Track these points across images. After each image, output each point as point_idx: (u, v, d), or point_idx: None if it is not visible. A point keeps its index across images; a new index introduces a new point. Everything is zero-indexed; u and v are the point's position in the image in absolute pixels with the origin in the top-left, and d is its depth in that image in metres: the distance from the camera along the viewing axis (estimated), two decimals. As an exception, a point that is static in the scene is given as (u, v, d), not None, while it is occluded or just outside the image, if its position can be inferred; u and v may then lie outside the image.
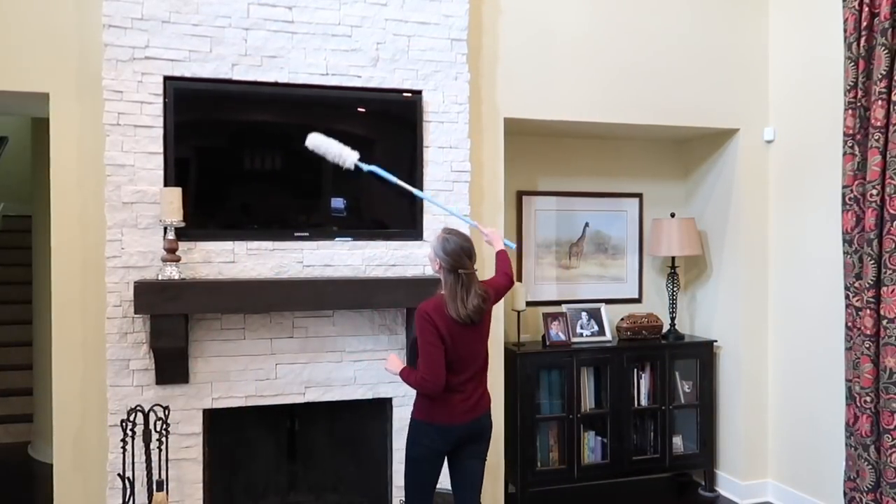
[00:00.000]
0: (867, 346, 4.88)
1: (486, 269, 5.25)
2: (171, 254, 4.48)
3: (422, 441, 4.09)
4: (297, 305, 4.69)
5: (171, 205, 4.44)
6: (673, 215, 6.52)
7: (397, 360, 4.19)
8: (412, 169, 5.08)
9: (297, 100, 4.88)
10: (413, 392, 4.21)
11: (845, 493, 5.14)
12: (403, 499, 4.73)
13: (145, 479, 4.50)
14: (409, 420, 4.20)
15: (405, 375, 4.05)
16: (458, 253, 3.98)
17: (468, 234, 4.19)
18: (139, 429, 4.48)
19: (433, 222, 5.10)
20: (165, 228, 4.49)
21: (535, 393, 5.94)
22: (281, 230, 4.86)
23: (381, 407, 5.17)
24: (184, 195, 4.52)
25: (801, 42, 5.91)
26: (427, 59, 5.12)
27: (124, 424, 4.39)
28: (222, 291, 4.50)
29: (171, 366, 4.61)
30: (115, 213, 4.53)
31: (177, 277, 4.45)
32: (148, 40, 4.58)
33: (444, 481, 5.10)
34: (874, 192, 4.84)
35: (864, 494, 4.94)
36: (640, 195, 6.88)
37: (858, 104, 5.00)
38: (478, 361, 4.15)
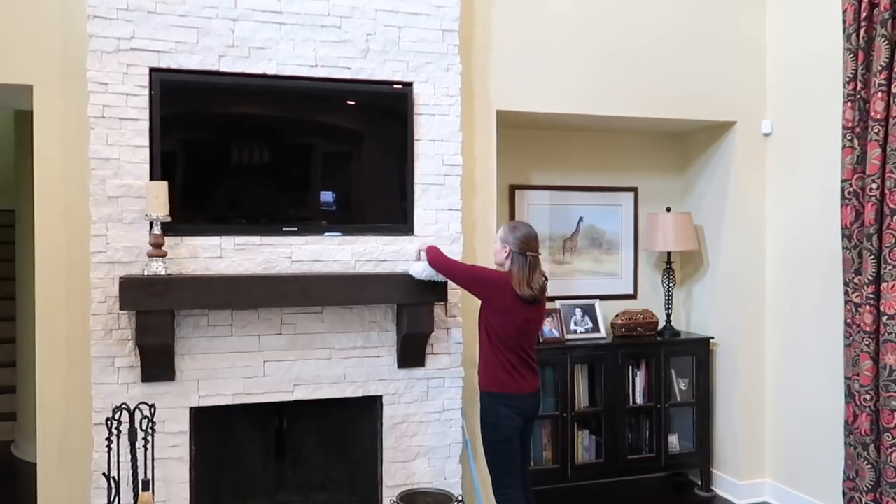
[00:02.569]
0: (867, 342, 4.89)
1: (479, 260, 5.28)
2: (157, 249, 4.50)
3: (500, 413, 4.52)
4: (286, 302, 4.70)
5: (156, 199, 4.46)
6: (669, 209, 6.56)
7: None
8: (403, 162, 5.11)
9: (286, 92, 4.89)
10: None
11: (844, 493, 5.15)
12: (394, 499, 4.79)
13: (131, 479, 4.48)
14: (478, 395, 4.69)
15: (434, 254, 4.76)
16: (528, 237, 4.51)
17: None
18: (125, 427, 4.47)
19: (424, 217, 5.14)
20: (151, 223, 4.51)
21: (528, 391, 5.96)
22: (269, 225, 4.87)
23: (371, 405, 5.18)
24: (170, 189, 4.54)
25: (799, 33, 5.93)
26: (418, 50, 5.14)
27: (109, 423, 4.37)
28: (209, 287, 4.51)
29: (157, 363, 4.61)
30: (100, 208, 4.54)
31: (163, 273, 4.48)
32: (133, 31, 4.59)
33: (439, 482, 5.17)
34: (874, 186, 4.85)
35: (864, 494, 4.95)
36: (635, 189, 6.92)
37: (858, 96, 5.01)
38: (534, 339, 4.64)
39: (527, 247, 4.47)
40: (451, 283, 4.96)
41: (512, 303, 4.43)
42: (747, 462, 6.30)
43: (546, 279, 4.59)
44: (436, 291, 4.89)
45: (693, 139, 6.84)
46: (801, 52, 5.91)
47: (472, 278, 4.57)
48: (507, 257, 4.51)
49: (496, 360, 4.50)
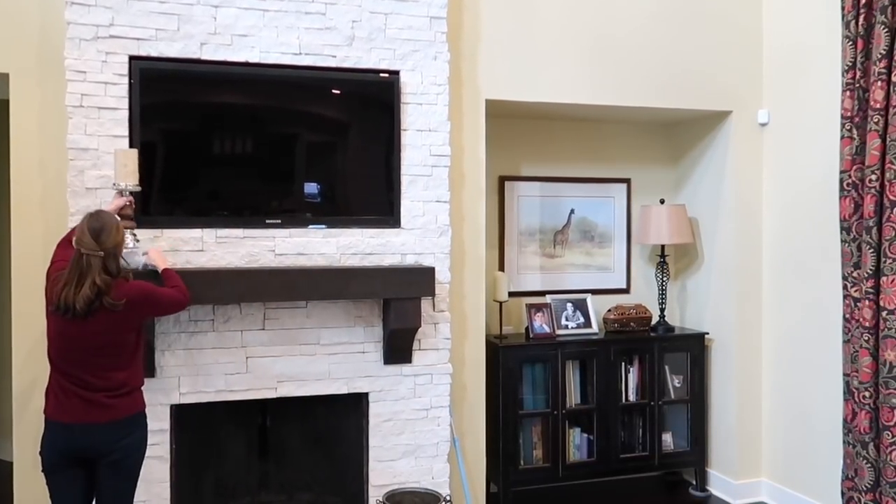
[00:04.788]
0: (866, 338, 4.94)
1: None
2: (128, 221, 4.41)
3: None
4: (269, 296, 4.75)
5: (125, 167, 4.44)
6: (662, 202, 6.61)
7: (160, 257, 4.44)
8: (389, 153, 5.17)
9: (269, 80, 4.96)
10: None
11: (843, 493, 5.21)
12: (380, 498, 4.85)
13: None
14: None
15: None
16: (82, 229, 3.78)
17: (113, 216, 4.00)
18: None
19: (411, 209, 5.20)
20: (120, 192, 4.46)
21: (517, 388, 6.04)
22: (252, 217, 4.93)
23: (357, 402, 5.24)
24: (150, 180, 4.61)
25: (797, 19, 5.97)
26: (405, 37, 5.20)
27: None
28: (190, 281, 4.48)
29: (136, 358, 4.65)
30: (78, 199, 4.58)
31: (131, 246, 4.41)
32: (112, 18, 4.64)
33: (427, 482, 5.23)
34: (873, 177, 4.90)
35: (863, 494, 5.00)
36: (628, 181, 6.99)
37: (857, 85, 5.06)
38: (93, 361, 3.88)
39: (79, 242, 3.77)
40: (441, 277, 5.06)
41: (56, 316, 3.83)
42: (743, 461, 6.34)
43: (102, 291, 3.74)
44: (424, 286, 4.95)
45: (687, 129, 6.90)
46: (798, 39, 5.95)
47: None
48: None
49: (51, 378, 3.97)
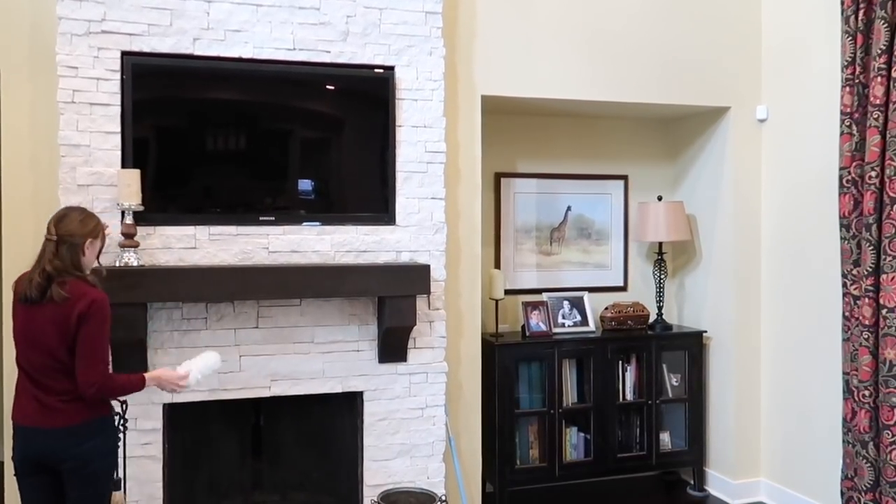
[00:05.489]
0: (865, 336, 4.97)
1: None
2: (129, 239, 4.58)
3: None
4: (263, 294, 4.76)
5: (128, 187, 4.54)
6: (660, 198, 6.65)
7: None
8: (384, 150, 5.20)
9: (263, 76, 4.98)
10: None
11: (842, 493, 5.24)
12: (375, 499, 4.86)
13: None
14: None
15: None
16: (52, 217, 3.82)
17: (86, 212, 3.92)
18: None
19: (406, 206, 5.23)
20: (123, 212, 4.60)
21: (513, 387, 6.05)
22: (245, 214, 4.95)
23: (352, 401, 5.26)
24: (143, 177, 4.62)
25: (795, 14, 5.99)
26: (400, 33, 5.22)
27: None
28: (183, 279, 4.57)
29: (129, 358, 4.66)
30: (69, 196, 4.59)
31: (135, 264, 4.56)
32: (104, 13, 4.66)
33: (422, 481, 5.25)
34: (873, 173, 4.92)
35: (863, 494, 5.02)
36: (625, 177, 7.02)
37: (856, 81, 5.08)
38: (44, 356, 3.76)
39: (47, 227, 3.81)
40: (436, 275, 5.08)
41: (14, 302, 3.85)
42: (742, 460, 6.36)
43: (51, 277, 3.70)
44: (419, 283, 4.97)
45: (685, 125, 6.92)
46: (797, 34, 5.97)
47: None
48: None
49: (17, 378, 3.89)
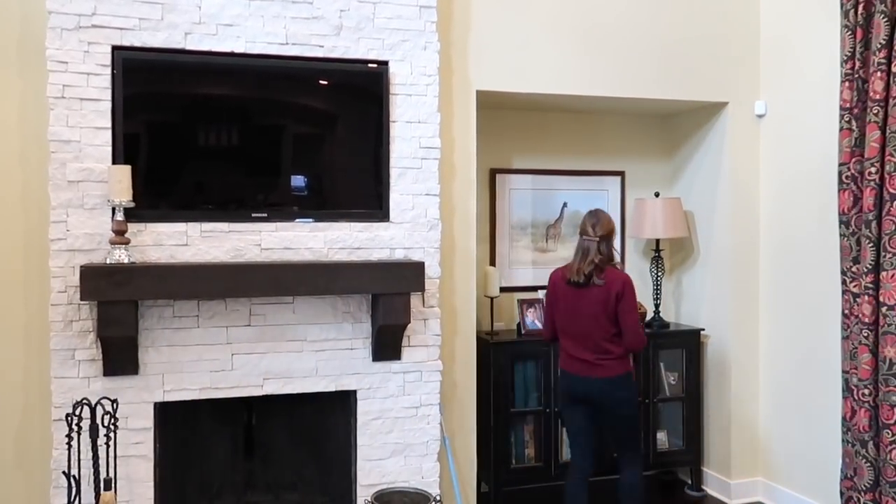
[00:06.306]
0: (865, 334, 4.96)
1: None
2: (120, 236, 4.59)
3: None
4: (255, 291, 4.75)
5: (119, 183, 4.55)
6: (657, 195, 6.67)
7: None
8: (378, 145, 5.21)
9: (255, 71, 4.99)
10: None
11: (842, 493, 5.23)
12: (369, 499, 4.87)
13: (92, 478, 4.49)
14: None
15: None
16: (584, 220, 5.15)
17: (607, 215, 5.14)
18: (85, 423, 4.49)
19: (400, 203, 5.24)
20: (114, 209, 4.61)
21: (509, 385, 6.07)
22: (237, 211, 4.96)
23: (345, 400, 5.27)
24: (133, 173, 4.63)
25: (794, 9, 6.00)
26: (394, 27, 5.23)
27: (69, 419, 4.37)
28: (174, 276, 4.57)
29: (120, 356, 4.68)
30: (59, 193, 4.61)
31: (126, 261, 4.57)
32: (95, 7, 4.66)
33: (416, 481, 5.26)
34: (873, 169, 4.92)
35: (862, 494, 5.02)
36: (622, 173, 7.04)
37: (856, 76, 5.07)
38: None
39: (581, 229, 5.15)
40: (431, 272, 5.10)
41: (562, 290, 5.19)
42: (739, 460, 6.39)
43: (599, 267, 5.01)
44: (413, 281, 4.97)
45: (683, 121, 6.94)
46: (796, 28, 5.98)
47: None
48: None
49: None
